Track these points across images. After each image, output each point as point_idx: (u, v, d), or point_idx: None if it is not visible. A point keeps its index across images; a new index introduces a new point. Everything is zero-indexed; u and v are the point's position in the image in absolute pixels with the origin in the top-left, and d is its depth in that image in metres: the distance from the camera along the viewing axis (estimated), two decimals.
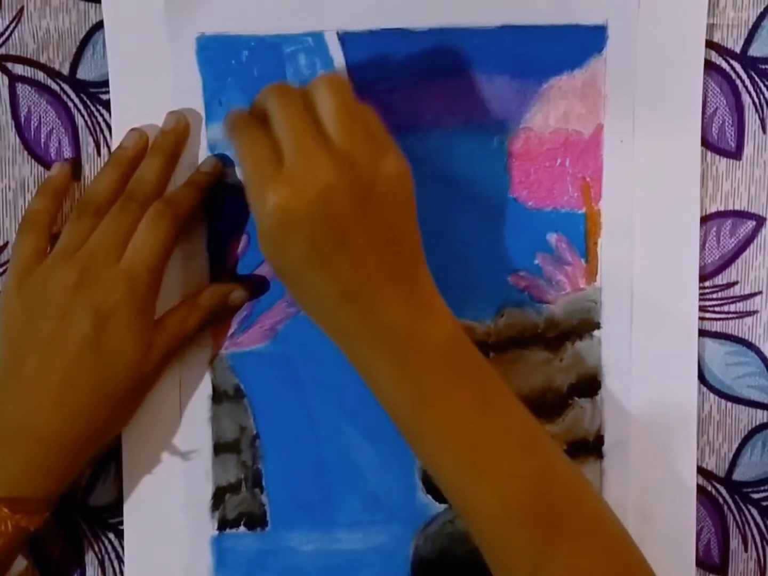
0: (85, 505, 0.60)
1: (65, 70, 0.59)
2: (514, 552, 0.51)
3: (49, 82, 0.59)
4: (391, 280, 0.51)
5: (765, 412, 0.60)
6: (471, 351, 0.53)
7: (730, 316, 0.60)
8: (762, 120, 0.59)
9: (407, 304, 0.51)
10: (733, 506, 0.61)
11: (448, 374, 0.52)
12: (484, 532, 0.52)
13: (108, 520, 0.61)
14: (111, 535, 0.61)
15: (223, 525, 0.60)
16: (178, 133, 0.58)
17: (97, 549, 0.61)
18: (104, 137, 0.60)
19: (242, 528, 0.60)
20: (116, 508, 0.60)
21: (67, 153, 0.60)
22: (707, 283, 0.60)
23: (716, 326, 0.60)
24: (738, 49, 0.59)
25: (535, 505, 0.50)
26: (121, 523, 0.60)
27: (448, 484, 0.52)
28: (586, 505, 0.52)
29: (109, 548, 0.61)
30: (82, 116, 0.60)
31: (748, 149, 0.59)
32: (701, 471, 0.60)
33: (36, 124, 0.60)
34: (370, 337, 0.51)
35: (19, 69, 0.59)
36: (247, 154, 0.51)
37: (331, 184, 0.49)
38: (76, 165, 0.59)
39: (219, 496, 0.60)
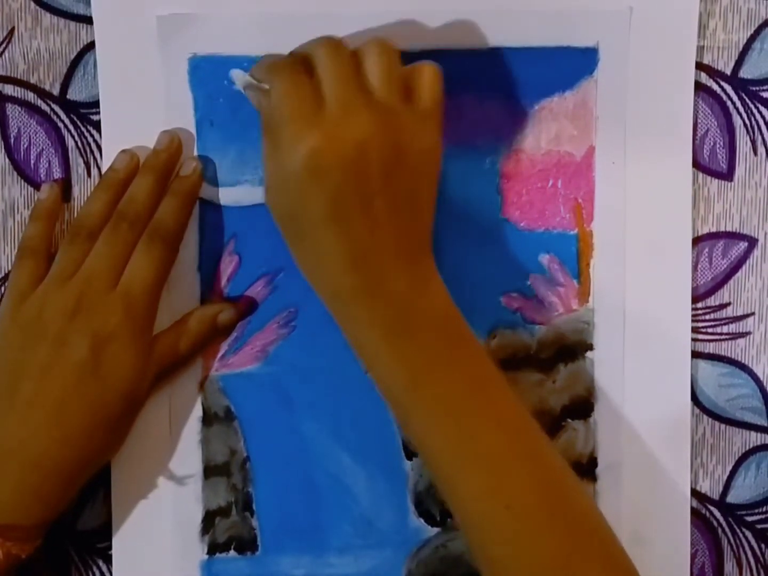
0: (73, 529, 0.60)
1: (56, 91, 0.59)
2: (497, 535, 0.50)
3: (40, 102, 0.59)
4: (402, 252, 0.51)
5: (759, 434, 0.60)
6: (466, 333, 0.53)
7: (723, 337, 0.60)
8: (753, 141, 0.59)
9: (412, 278, 0.51)
10: (727, 529, 0.60)
11: (443, 351, 0.51)
12: (469, 516, 0.51)
13: (96, 544, 0.60)
14: (99, 561, 0.60)
15: (213, 549, 0.59)
16: (171, 152, 0.58)
17: (84, 574, 0.60)
18: (94, 158, 0.59)
19: (232, 552, 0.59)
20: (105, 532, 0.59)
21: (57, 174, 0.59)
22: (700, 305, 0.60)
23: (709, 347, 0.60)
24: (729, 71, 0.59)
25: (521, 490, 0.50)
26: (110, 547, 0.59)
27: (437, 465, 0.51)
28: (573, 491, 0.52)
29: (97, 573, 0.60)
30: (73, 137, 0.59)
31: (739, 171, 0.59)
32: (695, 493, 0.60)
33: (26, 145, 0.59)
34: (371, 306, 0.51)
35: (9, 89, 0.59)
36: (290, 90, 0.50)
37: (367, 140, 0.49)
38: (65, 185, 0.59)
39: (209, 520, 0.59)
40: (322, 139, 0.49)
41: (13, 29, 0.59)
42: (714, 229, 0.60)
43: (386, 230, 0.51)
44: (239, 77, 0.55)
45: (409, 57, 0.57)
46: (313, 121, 0.49)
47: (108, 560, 0.60)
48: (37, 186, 0.59)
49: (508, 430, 0.51)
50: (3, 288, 0.59)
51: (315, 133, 0.49)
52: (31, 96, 0.59)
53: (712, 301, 0.60)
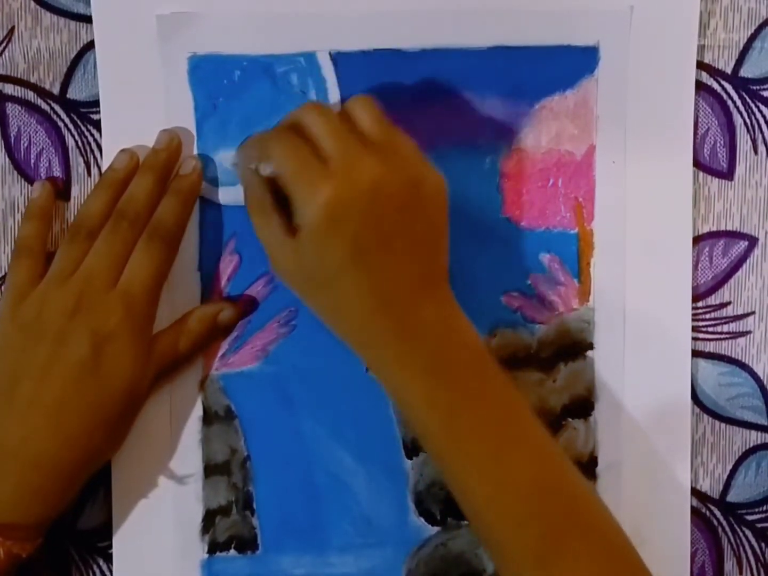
0: (73, 528, 0.60)
1: (56, 90, 0.59)
2: (537, 566, 0.50)
3: (40, 101, 0.59)
4: (427, 287, 0.52)
5: (759, 432, 0.60)
6: (494, 361, 0.53)
7: (723, 336, 0.60)
8: (753, 140, 0.59)
9: (438, 312, 0.52)
10: (727, 528, 0.61)
11: (479, 384, 0.52)
12: (508, 551, 0.51)
13: (97, 543, 0.60)
14: (100, 560, 0.60)
15: (213, 548, 0.59)
16: (170, 151, 0.57)
17: (85, 573, 0.60)
18: (94, 157, 0.59)
19: (233, 551, 0.59)
20: (105, 531, 0.59)
21: (57, 173, 0.59)
22: (700, 304, 0.60)
23: (709, 346, 0.60)
24: (729, 70, 0.59)
25: (556, 518, 0.50)
26: (110, 547, 0.59)
27: (472, 499, 0.51)
28: (604, 521, 0.52)
29: (98, 572, 0.60)
30: (73, 136, 0.59)
31: (740, 170, 0.59)
32: (695, 492, 0.60)
33: (26, 144, 0.59)
34: (402, 347, 0.51)
35: (9, 89, 0.59)
36: (291, 155, 0.51)
37: (380, 180, 0.50)
38: (59, 183, 0.59)
39: (209, 519, 0.59)
40: (337, 188, 0.49)
41: (13, 28, 0.59)
42: (714, 228, 0.60)
43: (409, 267, 0.51)
44: (227, 158, 0.57)
45: (409, 57, 0.58)
46: (322, 173, 0.50)
47: (108, 559, 0.60)
48: None
49: (541, 463, 0.51)
50: (2, 288, 0.59)
51: (328, 184, 0.49)
52: (31, 95, 0.59)
53: (712, 300, 0.60)
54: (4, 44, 0.59)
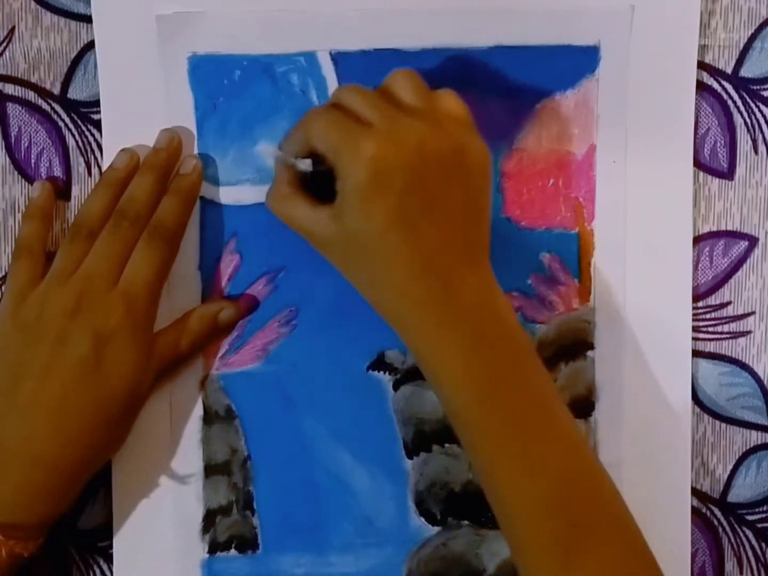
0: (74, 528, 0.60)
1: (56, 90, 0.59)
2: (560, 554, 0.49)
3: (40, 101, 0.59)
4: (469, 258, 0.51)
5: (759, 432, 0.60)
6: (529, 345, 0.52)
7: (724, 336, 0.60)
8: (754, 140, 0.59)
9: (480, 287, 0.51)
10: (728, 528, 0.60)
11: (513, 364, 0.51)
12: (531, 533, 0.50)
13: (97, 543, 0.60)
14: (100, 560, 0.60)
15: (213, 548, 0.59)
16: (171, 150, 0.57)
17: (85, 573, 0.60)
18: (95, 157, 0.59)
19: (233, 551, 0.59)
20: (105, 531, 0.59)
21: (58, 173, 0.59)
22: (700, 304, 0.60)
23: (710, 346, 0.60)
24: (729, 70, 0.59)
25: (586, 507, 0.50)
26: (110, 546, 0.59)
27: (499, 481, 0.50)
28: (626, 511, 0.51)
29: (98, 572, 0.60)
30: (73, 136, 0.59)
31: (740, 170, 0.59)
32: (696, 493, 0.60)
33: (26, 144, 0.59)
34: (441, 319, 0.50)
35: (9, 89, 0.59)
36: (332, 127, 0.50)
37: (425, 141, 0.50)
38: (58, 183, 0.59)
39: (209, 519, 0.59)
40: (381, 144, 0.49)
41: (13, 28, 0.59)
42: (715, 228, 0.60)
43: (452, 234, 0.50)
44: (267, 150, 0.56)
45: (409, 56, 0.58)
46: (368, 133, 0.49)
47: (109, 559, 0.60)
48: None
49: (571, 448, 0.51)
50: (2, 288, 0.59)
51: (372, 141, 0.49)
52: (31, 95, 0.59)
53: (712, 300, 0.60)
54: (4, 44, 0.59)
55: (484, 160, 0.52)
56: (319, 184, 0.52)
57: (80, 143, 0.59)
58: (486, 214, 0.53)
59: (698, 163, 0.59)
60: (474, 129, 0.53)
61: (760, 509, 0.60)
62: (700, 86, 0.59)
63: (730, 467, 0.60)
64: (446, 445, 0.59)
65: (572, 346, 0.59)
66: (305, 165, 0.52)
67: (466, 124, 0.52)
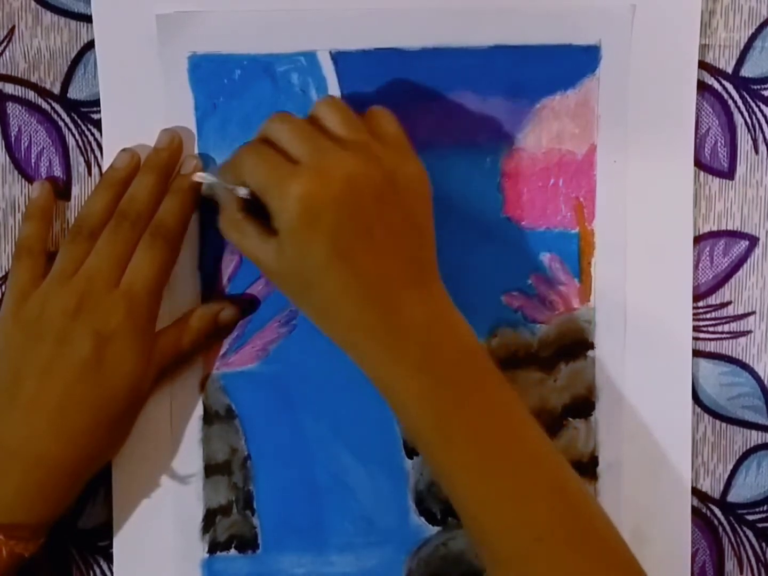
0: (74, 528, 0.60)
1: (56, 90, 0.59)
2: (528, 568, 0.49)
3: (40, 101, 0.59)
4: (412, 282, 0.51)
5: (759, 432, 0.60)
6: (488, 359, 0.52)
7: (724, 336, 0.60)
8: (754, 140, 0.59)
9: (429, 308, 0.51)
10: (728, 528, 0.60)
11: (472, 382, 0.51)
12: (498, 551, 0.50)
13: (97, 543, 0.60)
14: (100, 559, 0.60)
15: (213, 548, 0.59)
16: (172, 150, 0.57)
17: (85, 572, 0.60)
18: (95, 157, 0.59)
19: (233, 551, 0.59)
20: (105, 531, 0.59)
21: (58, 172, 0.59)
22: (701, 303, 0.60)
23: (710, 346, 0.60)
24: (730, 70, 0.59)
25: (551, 522, 0.50)
26: (111, 546, 0.59)
27: (465, 501, 0.51)
28: (597, 520, 0.51)
29: (98, 572, 0.60)
30: (73, 136, 0.59)
31: (740, 169, 0.59)
32: (696, 492, 0.60)
33: (26, 144, 0.59)
34: (392, 344, 0.50)
35: (9, 88, 0.59)
36: (260, 163, 0.51)
37: (353, 172, 0.50)
38: (57, 182, 0.59)
39: (210, 519, 0.59)
40: (309, 183, 0.49)
41: (13, 28, 0.59)
42: (715, 228, 0.59)
43: (391, 258, 0.50)
44: (204, 178, 0.56)
45: (409, 56, 0.57)
46: (292, 172, 0.50)
47: (109, 559, 0.60)
48: None
49: (535, 462, 0.51)
50: (3, 287, 0.59)
51: (298, 180, 0.49)
52: (31, 95, 0.59)
53: (713, 299, 0.60)
54: (4, 44, 0.59)
55: (418, 181, 0.52)
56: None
57: (80, 143, 0.59)
58: (428, 233, 0.53)
59: (699, 163, 0.59)
60: (408, 149, 0.53)
61: (761, 509, 0.60)
62: (701, 86, 0.58)
63: (730, 467, 0.60)
64: None
65: (572, 345, 0.59)
66: (243, 192, 0.52)
67: (400, 145, 0.52)
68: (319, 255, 0.50)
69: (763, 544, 0.61)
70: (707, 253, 0.59)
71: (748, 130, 0.59)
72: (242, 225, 0.52)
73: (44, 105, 0.59)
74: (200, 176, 0.57)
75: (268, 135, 0.52)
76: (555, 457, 0.52)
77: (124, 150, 0.58)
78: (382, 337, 0.51)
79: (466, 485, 0.51)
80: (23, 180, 0.59)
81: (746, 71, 0.59)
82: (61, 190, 0.59)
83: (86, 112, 0.59)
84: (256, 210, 0.52)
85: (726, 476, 0.60)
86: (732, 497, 0.60)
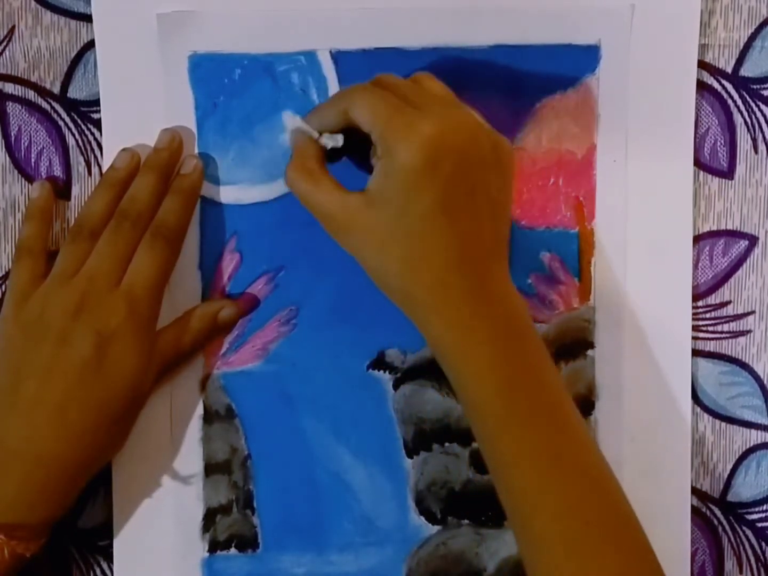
0: (74, 527, 0.60)
1: (56, 89, 0.59)
2: (572, 551, 0.49)
3: (40, 101, 0.59)
4: (498, 253, 0.52)
5: (759, 432, 0.60)
6: (543, 344, 0.52)
7: (724, 335, 0.60)
8: (754, 140, 0.59)
9: (507, 281, 0.51)
10: (727, 527, 0.61)
11: (538, 359, 0.51)
12: (545, 533, 0.50)
13: (97, 542, 0.60)
14: (100, 559, 0.60)
15: (213, 547, 0.59)
16: (172, 150, 0.57)
17: (85, 572, 0.60)
18: (95, 156, 0.59)
19: (233, 550, 0.59)
20: (105, 530, 0.59)
21: (58, 172, 0.59)
22: (700, 303, 0.60)
23: (710, 346, 0.60)
24: (729, 69, 0.59)
25: (600, 506, 0.50)
26: (111, 545, 0.59)
27: (516, 477, 0.50)
28: (626, 506, 0.51)
29: (98, 571, 0.60)
30: (73, 135, 0.59)
31: (740, 169, 0.59)
32: (695, 492, 0.60)
33: (26, 143, 0.59)
34: (475, 310, 0.50)
35: (9, 88, 0.59)
36: (382, 103, 0.50)
37: (476, 129, 0.50)
38: (58, 183, 0.59)
39: (210, 518, 0.59)
40: (438, 126, 0.49)
41: (13, 27, 0.59)
42: (715, 228, 0.60)
43: (488, 226, 0.51)
44: (290, 119, 0.55)
45: (410, 55, 0.57)
46: (420, 115, 0.49)
47: (109, 558, 0.60)
48: None
49: (582, 442, 0.51)
50: (4, 287, 0.59)
51: (429, 123, 0.49)
52: (31, 94, 0.59)
53: (712, 299, 0.60)
54: (4, 43, 0.59)
55: (513, 159, 0.53)
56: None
57: (80, 142, 0.59)
58: (508, 214, 0.53)
59: (698, 163, 0.59)
60: None
61: (760, 508, 0.60)
62: (701, 85, 0.59)
63: (729, 466, 0.60)
64: (446, 444, 0.59)
65: (572, 345, 0.59)
66: (334, 141, 0.51)
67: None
68: (426, 203, 0.49)
69: (763, 544, 0.61)
70: (707, 253, 0.60)
71: (748, 129, 0.59)
72: (318, 175, 0.52)
73: (44, 105, 0.59)
74: (289, 116, 0.55)
75: (381, 82, 0.52)
76: (598, 448, 0.52)
77: (124, 150, 0.58)
78: (467, 301, 0.50)
79: (520, 459, 0.50)
80: (23, 180, 0.59)
81: (746, 71, 0.59)
82: (61, 189, 0.59)
83: (86, 111, 0.59)
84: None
85: (726, 476, 0.60)
86: (732, 497, 0.60)
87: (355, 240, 0.52)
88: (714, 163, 0.59)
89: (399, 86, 0.51)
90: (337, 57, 0.58)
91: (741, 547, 0.61)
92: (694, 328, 0.59)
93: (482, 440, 0.52)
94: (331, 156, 0.53)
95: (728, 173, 0.59)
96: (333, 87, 0.58)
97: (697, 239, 0.59)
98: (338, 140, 0.52)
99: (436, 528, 0.59)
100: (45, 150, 0.59)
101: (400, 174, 0.49)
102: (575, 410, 0.51)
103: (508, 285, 0.52)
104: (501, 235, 0.52)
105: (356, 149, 0.54)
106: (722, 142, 0.59)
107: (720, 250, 0.60)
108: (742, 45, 0.59)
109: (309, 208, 0.52)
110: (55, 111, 0.59)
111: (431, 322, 0.51)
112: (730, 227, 0.60)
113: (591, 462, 0.51)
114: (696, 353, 0.59)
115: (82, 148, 0.59)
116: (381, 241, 0.51)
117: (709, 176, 0.59)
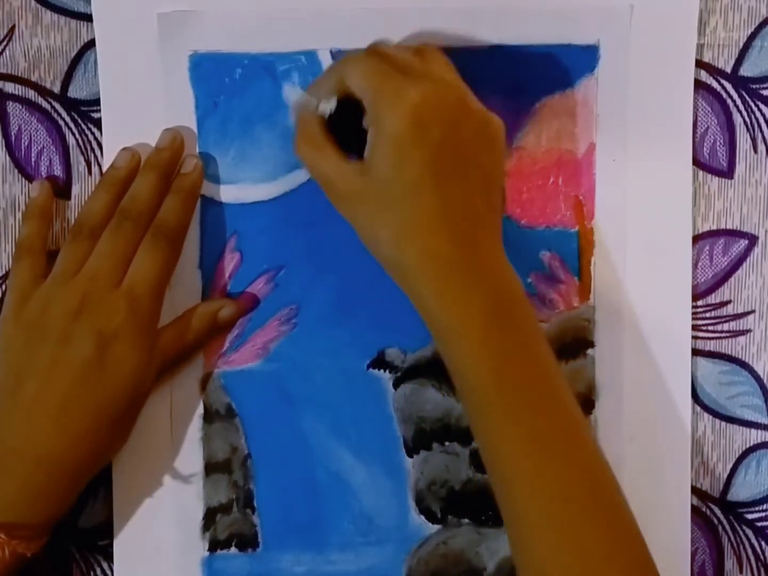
0: (74, 527, 0.60)
1: (56, 89, 0.59)
2: (550, 525, 0.49)
3: (40, 100, 0.59)
4: (490, 225, 0.51)
5: (759, 431, 0.60)
6: (536, 320, 0.52)
7: (724, 335, 0.60)
8: (753, 139, 0.59)
9: (500, 254, 0.51)
10: (727, 527, 0.61)
11: (529, 336, 0.50)
12: (529, 509, 0.49)
13: (97, 542, 0.60)
14: (100, 558, 0.60)
15: (214, 546, 0.59)
16: (173, 150, 0.57)
17: (85, 572, 0.60)
18: (95, 156, 0.59)
19: (233, 549, 0.59)
20: (106, 530, 0.59)
21: (58, 172, 0.59)
22: (700, 302, 0.60)
23: (709, 345, 0.60)
24: (729, 69, 0.59)
25: (582, 482, 0.49)
26: (111, 545, 0.59)
27: (506, 454, 0.49)
28: (614, 490, 0.51)
29: (98, 571, 0.60)
30: (73, 135, 0.59)
31: (739, 168, 0.59)
32: (695, 491, 0.60)
33: (27, 143, 0.59)
34: (467, 281, 0.49)
35: (9, 87, 0.59)
36: (373, 69, 0.50)
37: (466, 99, 0.50)
38: (57, 181, 0.59)
39: (210, 517, 0.59)
40: (427, 92, 0.49)
41: (13, 27, 0.59)
42: (714, 227, 0.60)
43: (480, 199, 0.50)
44: (291, 92, 0.56)
45: None
46: (408, 81, 0.49)
47: (109, 558, 0.60)
48: None
49: (575, 423, 0.50)
50: (4, 286, 0.59)
51: (417, 89, 0.49)
52: (31, 94, 0.59)
53: (712, 298, 0.60)
54: (4, 43, 0.59)
55: (503, 134, 0.53)
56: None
57: (80, 142, 0.59)
58: (501, 188, 0.53)
59: (698, 162, 0.59)
60: None
61: (760, 508, 0.60)
62: (700, 85, 0.59)
63: (729, 466, 0.60)
64: (446, 443, 0.59)
65: (572, 344, 0.59)
66: (330, 104, 0.52)
67: None
68: (416, 169, 0.49)
69: (763, 543, 0.61)
70: (707, 252, 0.60)
71: (747, 129, 0.59)
72: (322, 143, 0.52)
73: (44, 104, 0.59)
74: (289, 88, 0.56)
75: (375, 49, 0.52)
76: (588, 425, 0.52)
77: (124, 149, 0.58)
78: (457, 270, 0.49)
79: (511, 434, 0.49)
80: (23, 179, 0.59)
81: (745, 70, 0.59)
82: (61, 189, 0.59)
83: (86, 111, 0.59)
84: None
85: (725, 475, 0.60)
86: (732, 496, 0.60)
87: (351, 208, 0.52)
88: (713, 163, 0.59)
89: (394, 54, 0.51)
90: (338, 56, 0.58)
91: (741, 547, 0.61)
92: (694, 328, 0.59)
93: (472, 420, 0.51)
94: (337, 125, 0.53)
95: (728, 173, 0.59)
96: None
97: (697, 239, 0.59)
98: (332, 103, 0.52)
99: (437, 527, 0.59)
100: (45, 149, 0.59)
101: (388, 140, 0.49)
102: (568, 390, 0.51)
103: (501, 257, 0.51)
104: (494, 207, 0.52)
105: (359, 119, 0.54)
106: (722, 141, 0.59)
107: (720, 250, 0.60)
108: (741, 45, 0.59)
109: (314, 177, 0.53)
110: (56, 110, 0.59)
111: (422, 294, 0.50)
112: (729, 227, 0.60)
113: (580, 443, 0.50)
114: (696, 352, 0.59)
115: (83, 147, 0.59)
116: (373, 209, 0.51)
117: (709, 176, 0.59)
